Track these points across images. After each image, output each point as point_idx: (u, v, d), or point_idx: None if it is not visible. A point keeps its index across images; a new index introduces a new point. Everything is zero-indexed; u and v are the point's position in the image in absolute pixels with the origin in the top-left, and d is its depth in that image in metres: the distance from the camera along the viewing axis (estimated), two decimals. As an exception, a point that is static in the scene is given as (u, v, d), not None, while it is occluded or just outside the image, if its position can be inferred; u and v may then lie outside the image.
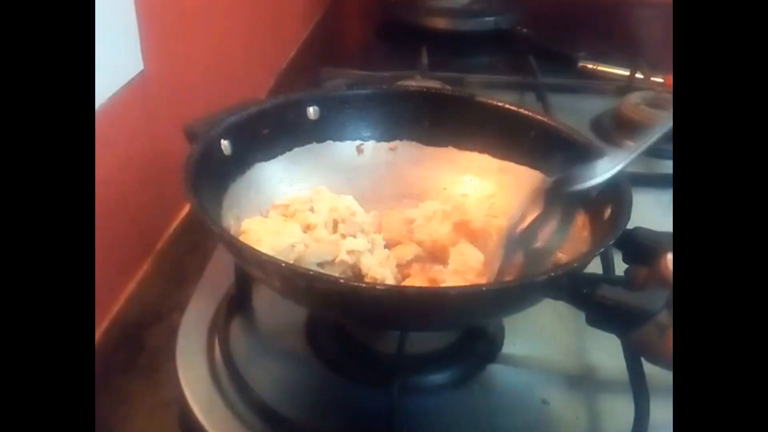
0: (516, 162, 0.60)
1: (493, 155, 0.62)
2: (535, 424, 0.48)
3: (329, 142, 0.63)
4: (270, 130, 0.59)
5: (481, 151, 0.62)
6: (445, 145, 0.63)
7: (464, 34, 1.19)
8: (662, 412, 0.47)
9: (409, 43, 1.05)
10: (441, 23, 1.18)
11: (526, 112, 0.61)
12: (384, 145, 0.64)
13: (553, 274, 0.42)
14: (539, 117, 0.60)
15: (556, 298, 0.42)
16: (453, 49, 1.12)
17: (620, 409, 0.48)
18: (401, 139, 0.64)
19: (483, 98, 0.62)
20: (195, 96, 0.71)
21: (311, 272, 0.44)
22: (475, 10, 1.21)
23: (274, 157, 0.60)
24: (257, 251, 0.44)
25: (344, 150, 0.63)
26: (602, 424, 0.49)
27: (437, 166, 0.63)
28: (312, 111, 0.62)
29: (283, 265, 0.43)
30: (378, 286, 0.42)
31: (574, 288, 0.41)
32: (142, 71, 0.59)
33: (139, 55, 0.59)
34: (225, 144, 0.55)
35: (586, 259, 0.45)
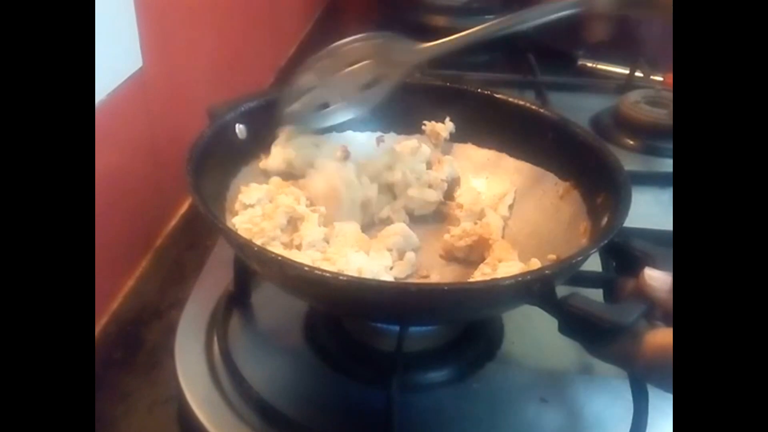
0: (532, 163, 0.60)
1: (510, 154, 0.61)
2: (533, 423, 0.48)
3: (349, 131, 0.63)
4: None
5: (499, 149, 0.62)
6: (464, 142, 0.63)
7: (463, 31, 1.18)
8: (662, 412, 0.47)
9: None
10: (440, 21, 1.18)
11: (545, 113, 0.60)
12: (404, 138, 0.63)
13: (520, 278, 0.41)
14: (558, 119, 0.59)
15: (530, 303, 0.42)
16: (452, 46, 1.12)
17: (619, 409, 0.49)
18: (422, 133, 0.64)
19: (503, 96, 0.62)
20: (194, 93, 0.71)
21: (278, 256, 0.44)
22: (474, 8, 1.21)
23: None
24: (231, 229, 0.45)
25: (364, 140, 0.63)
26: (601, 424, 0.48)
27: (455, 162, 0.63)
28: None
29: (239, 239, 0.44)
30: (341, 277, 0.42)
31: (547, 294, 0.41)
32: (141, 68, 0.59)
33: (139, 52, 0.59)
34: (240, 128, 0.56)
35: (559, 266, 0.44)
